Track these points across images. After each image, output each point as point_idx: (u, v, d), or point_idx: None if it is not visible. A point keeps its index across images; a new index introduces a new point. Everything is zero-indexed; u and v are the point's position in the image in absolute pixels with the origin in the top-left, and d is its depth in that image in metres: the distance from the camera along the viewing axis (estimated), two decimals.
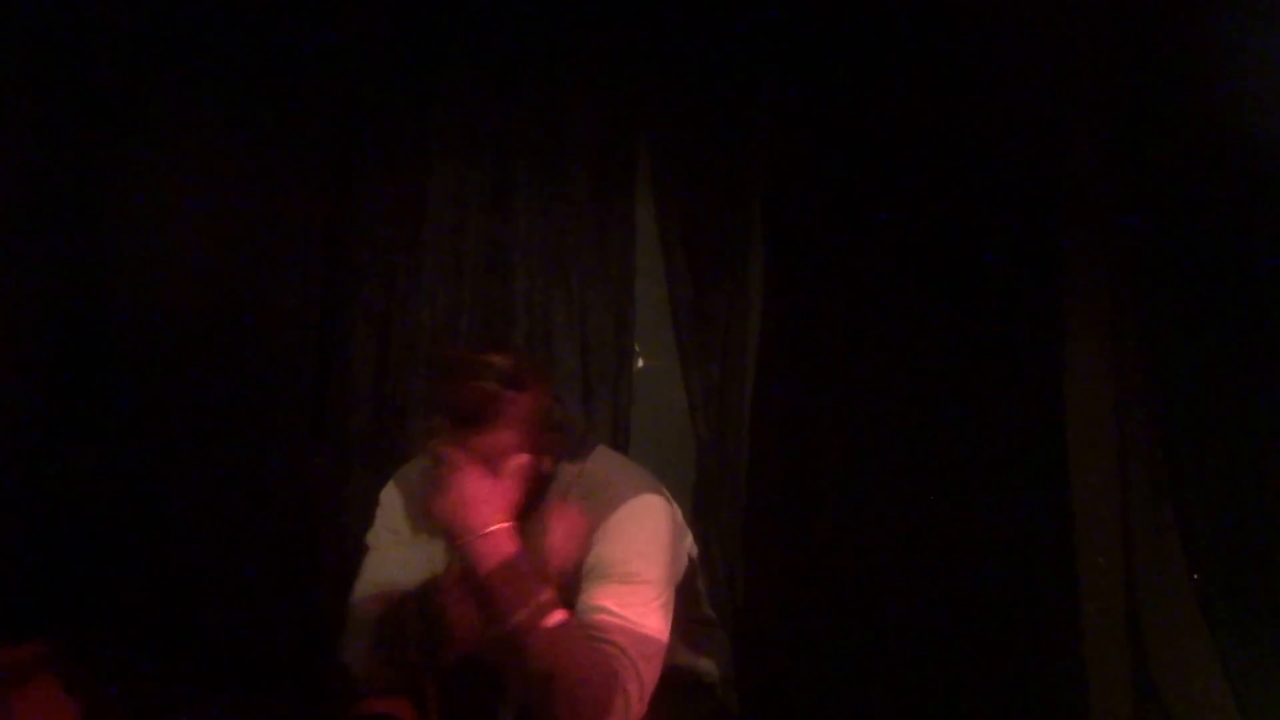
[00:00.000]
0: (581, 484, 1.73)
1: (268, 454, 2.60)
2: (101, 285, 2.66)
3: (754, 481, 2.68)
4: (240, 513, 2.58)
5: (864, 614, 2.58)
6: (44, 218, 2.61)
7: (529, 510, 1.67)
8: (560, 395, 2.36)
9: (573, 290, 2.69)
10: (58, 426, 2.60)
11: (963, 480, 2.60)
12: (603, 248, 2.71)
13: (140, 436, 2.60)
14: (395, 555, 1.78)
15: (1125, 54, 2.71)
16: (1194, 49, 2.57)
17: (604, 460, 1.79)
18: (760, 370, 2.72)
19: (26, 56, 2.57)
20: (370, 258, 2.69)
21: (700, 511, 2.60)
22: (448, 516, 1.60)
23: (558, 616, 1.55)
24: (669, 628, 1.66)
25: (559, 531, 1.68)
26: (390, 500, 1.84)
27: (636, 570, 1.65)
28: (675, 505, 1.80)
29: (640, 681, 1.57)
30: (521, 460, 1.64)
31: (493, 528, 1.58)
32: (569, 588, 1.65)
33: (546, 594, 1.57)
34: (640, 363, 2.78)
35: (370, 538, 1.84)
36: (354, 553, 1.86)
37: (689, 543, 1.84)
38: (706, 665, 1.89)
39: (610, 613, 1.60)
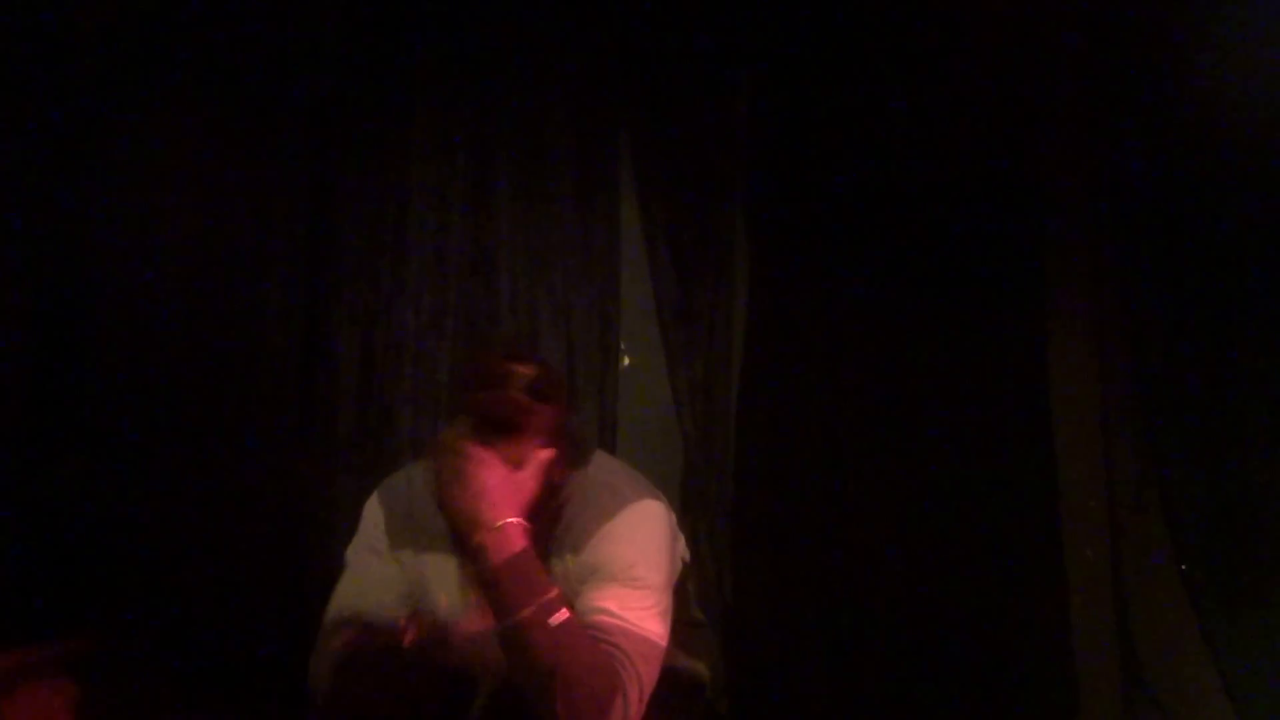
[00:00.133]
0: (583, 488, 1.73)
1: (254, 456, 2.61)
2: (87, 290, 2.67)
3: (741, 478, 2.68)
4: (227, 515, 2.58)
5: (852, 610, 2.58)
6: (27, 222, 2.60)
7: (539, 513, 1.67)
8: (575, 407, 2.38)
9: (557, 289, 2.69)
10: (44, 431, 2.60)
11: (949, 475, 2.59)
12: (586, 246, 2.72)
13: (127, 440, 2.61)
14: (373, 575, 1.77)
15: (1107, 47, 2.71)
16: (1177, 44, 2.57)
17: (604, 465, 1.80)
18: (746, 367, 2.72)
19: (7, 58, 2.56)
20: (354, 259, 2.69)
21: (687, 509, 2.60)
22: (461, 507, 1.60)
23: (562, 615, 1.56)
24: (668, 632, 1.67)
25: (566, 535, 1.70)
26: (373, 514, 1.82)
27: (639, 574, 1.65)
28: (672, 511, 1.81)
29: (640, 684, 1.58)
30: (545, 456, 1.65)
31: (505, 521, 1.58)
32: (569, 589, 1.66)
33: (553, 592, 1.57)
34: (625, 361, 2.78)
35: (349, 552, 1.83)
36: (340, 555, 1.85)
37: (682, 546, 1.85)
38: (696, 667, 1.89)
39: (612, 614, 1.61)
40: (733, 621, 2.58)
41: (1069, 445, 2.62)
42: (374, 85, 2.72)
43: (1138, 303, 2.65)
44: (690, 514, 2.60)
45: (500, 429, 1.62)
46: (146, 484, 2.60)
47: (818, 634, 2.58)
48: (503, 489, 1.61)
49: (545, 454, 1.65)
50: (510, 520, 1.59)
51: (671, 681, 1.71)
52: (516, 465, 1.64)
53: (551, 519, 1.70)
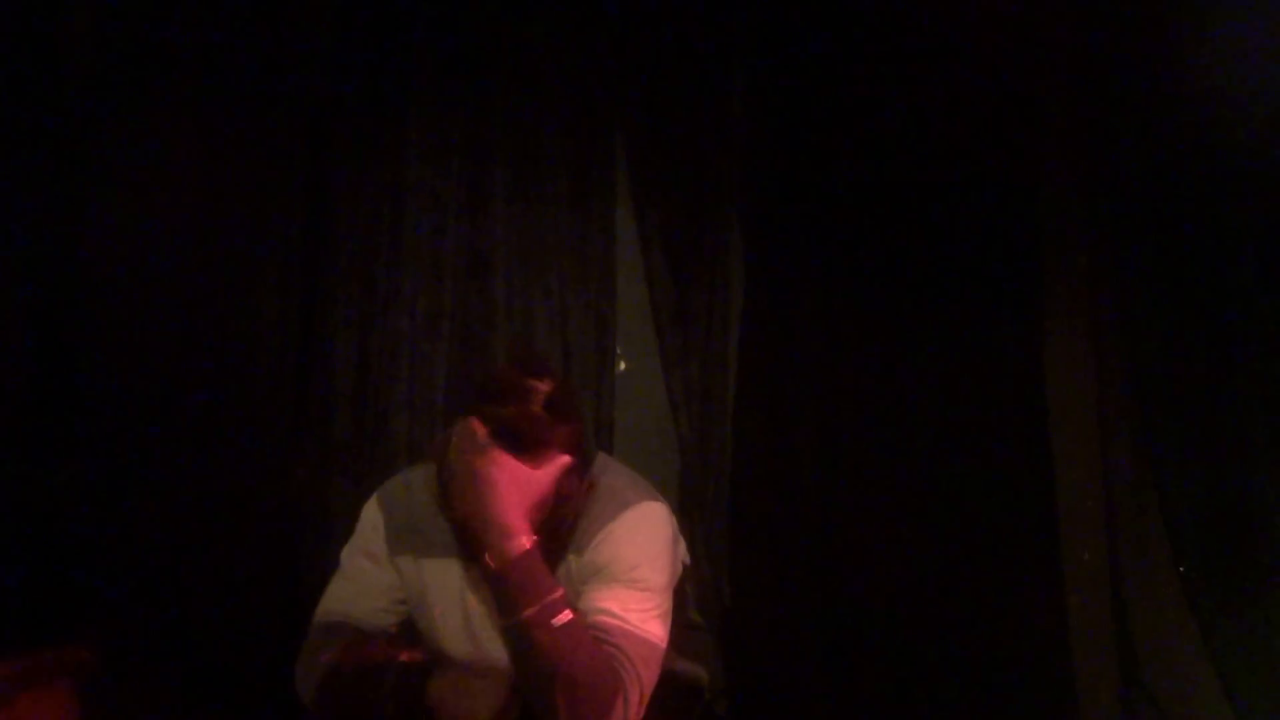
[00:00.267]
0: (589, 492, 1.73)
1: (250, 461, 2.59)
2: (81, 295, 2.65)
3: (738, 480, 2.68)
4: (223, 520, 2.56)
5: (850, 612, 2.58)
6: (22, 227, 2.60)
7: (550, 519, 1.67)
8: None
9: (553, 292, 2.69)
10: (40, 437, 2.59)
11: (946, 477, 2.60)
12: (582, 250, 2.72)
13: (122, 445, 2.59)
14: (367, 582, 1.77)
15: (1102, 45, 2.72)
16: (1172, 42, 2.58)
17: (607, 468, 1.79)
18: (742, 369, 2.73)
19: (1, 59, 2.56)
20: (349, 263, 2.68)
21: (684, 511, 2.60)
22: (472, 505, 1.60)
23: (565, 616, 1.56)
24: (667, 635, 1.67)
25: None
26: (372, 518, 1.81)
27: (642, 576, 1.66)
28: (673, 514, 1.81)
29: (640, 685, 1.58)
30: (561, 461, 1.65)
31: (513, 521, 1.58)
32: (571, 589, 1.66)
33: (556, 593, 1.57)
34: (622, 364, 2.78)
35: (344, 555, 1.82)
36: (335, 561, 1.84)
37: (682, 549, 1.85)
38: (695, 670, 1.89)
39: (613, 615, 1.61)
40: (731, 623, 2.58)
41: (1066, 447, 2.63)
42: (369, 88, 2.71)
43: (1134, 303, 2.66)
44: (688, 516, 2.60)
45: (518, 444, 1.62)
46: (142, 489, 2.58)
47: (815, 635, 2.59)
48: (514, 488, 1.60)
49: (562, 459, 1.65)
50: (519, 520, 1.59)
51: (670, 684, 1.71)
52: (532, 469, 1.64)
53: (559, 524, 1.69)
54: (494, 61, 2.73)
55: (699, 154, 2.77)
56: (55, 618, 2.48)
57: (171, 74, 2.68)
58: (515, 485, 1.60)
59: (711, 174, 2.79)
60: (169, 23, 2.68)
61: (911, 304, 2.66)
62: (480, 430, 1.62)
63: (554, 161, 2.73)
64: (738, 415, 2.72)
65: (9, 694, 2.11)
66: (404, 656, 1.68)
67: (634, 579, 1.65)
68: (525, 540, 1.58)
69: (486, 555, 1.59)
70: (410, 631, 1.80)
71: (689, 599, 1.92)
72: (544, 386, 1.65)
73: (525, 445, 1.62)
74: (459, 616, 1.72)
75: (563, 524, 1.69)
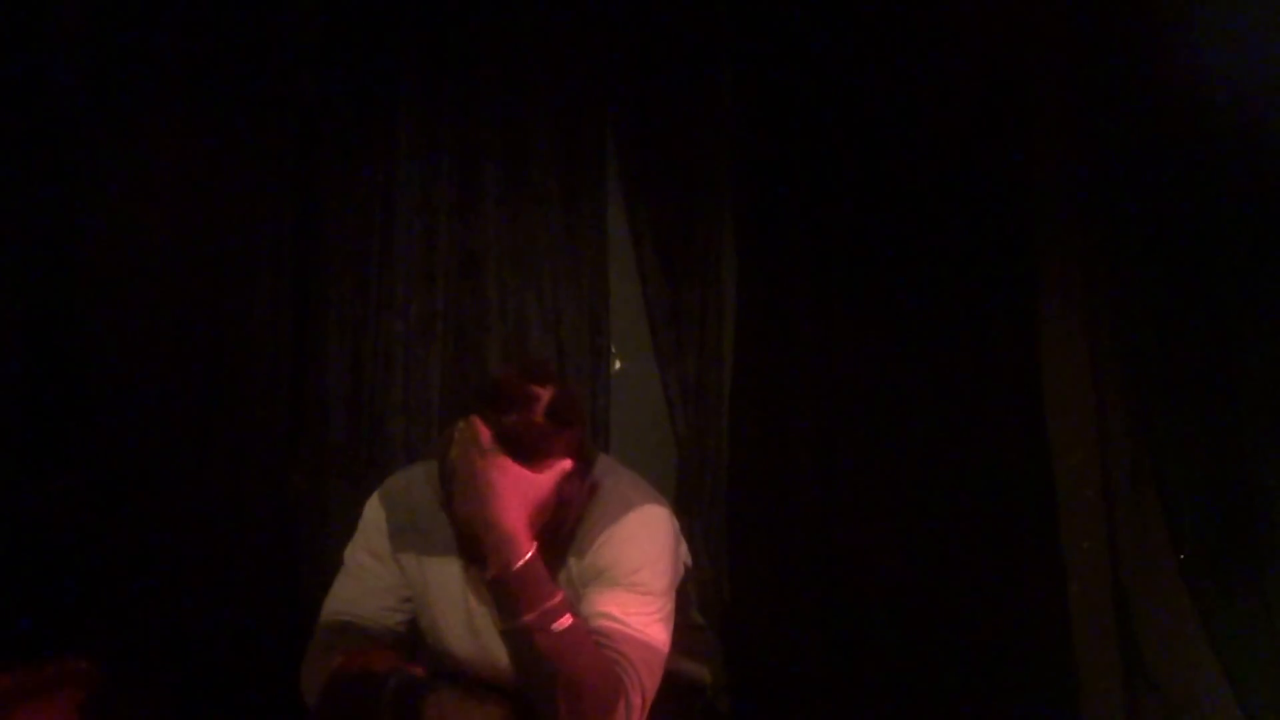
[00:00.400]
0: (589, 494, 1.72)
1: (246, 466, 2.59)
2: (74, 303, 2.64)
3: (735, 476, 2.69)
4: (221, 526, 2.56)
5: (849, 604, 2.59)
6: (14, 236, 2.59)
7: (552, 523, 1.67)
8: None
9: (546, 293, 2.69)
10: (36, 447, 2.59)
11: (944, 469, 2.61)
12: (574, 249, 2.72)
13: (117, 454, 2.58)
14: (370, 580, 1.77)
15: (1094, 39, 2.72)
16: (1164, 36, 2.58)
17: (608, 470, 1.79)
18: (737, 366, 2.73)
19: None
20: (341, 266, 2.68)
21: (682, 510, 2.60)
22: (473, 509, 1.59)
23: (565, 621, 1.56)
24: (669, 638, 1.67)
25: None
26: (374, 518, 1.81)
27: (643, 580, 1.65)
28: (674, 516, 1.81)
29: (642, 690, 1.59)
30: (562, 465, 1.64)
31: (514, 526, 1.58)
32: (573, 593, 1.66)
33: (556, 598, 1.57)
34: (617, 363, 2.78)
35: (347, 553, 1.82)
36: (333, 564, 1.85)
37: (684, 551, 1.85)
38: (697, 670, 1.89)
39: (615, 619, 1.61)
40: (730, 619, 2.58)
41: (1063, 435, 2.64)
42: (358, 89, 2.71)
43: (1130, 291, 2.66)
44: (685, 515, 2.59)
45: (520, 451, 1.61)
46: (138, 496, 2.57)
47: (815, 630, 2.59)
48: (515, 493, 1.59)
49: (564, 463, 1.64)
50: (520, 525, 1.58)
51: (672, 685, 1.71)
52: (533, 474, 1.63)
53: (560, 527, 1.69)
54: (483, 61, 2.73)
55: (690, 150, 2.78)
56: (54, 628, 2.48)
57: (162, 77, 2.68)
58: (516, 490, 1.60)
59: (703, 170, 2.79)
60: (159, 25, 2.68)
61: (906, 297, 2.67)
62: (483, 432, 1.62)
63: (544, 160, 2.73)
64: (733, 412, 2.72)
65: (9, 706, 2.10)
66: (404, 673, 1.66)
67: (635, 583, 1.64)
68: (525, 545, 1.58)
69: (487, 561, 1.58)
70: (415, 630, 1.80)
71: (691, 600, 1.92)
72: (545, 393, 1.64)
73: (527, 452, 1.61)
74: (462, 615, 1.72)
75: (563, 527, 1.68)
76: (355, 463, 2.60)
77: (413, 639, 1.81)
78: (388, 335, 2.66)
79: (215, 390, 2.63)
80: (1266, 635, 2.43)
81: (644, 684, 1.59)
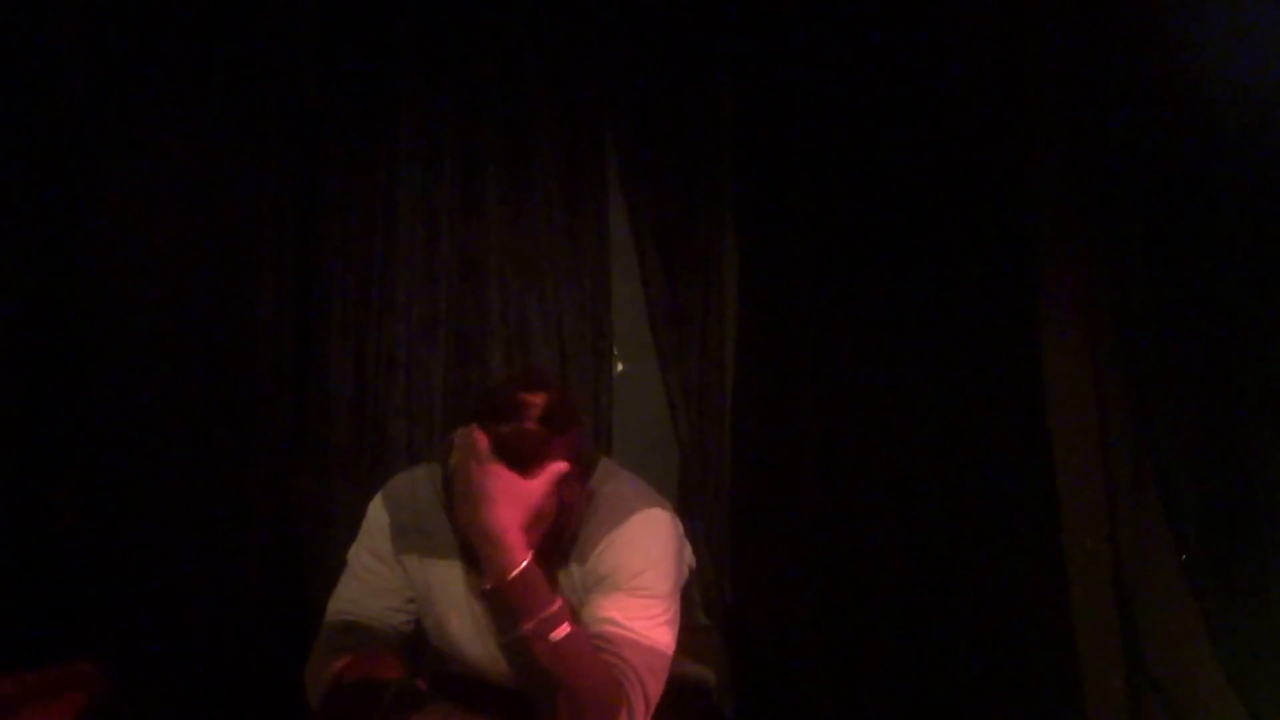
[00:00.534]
0: (590, 498, 1.72)
1: (250, 471, 2.59)
2: (76, 307, 2.64)
3: (737, 478, 2.69)
4: (224, 530, 2.56)
5: (853, 607, 2.59)
6: (16, 242, 2.59)
7: (550, 528, 1.67)
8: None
9: (548, 296, 2.69)
10: (38, 451, 2.59)
11: (946, 470, 2.60)
12: (576, 251, 2.72)
13: (120, 459, 2.58)
14: (374, 581, 1.77)
15: (1095, 38, 2.71)
16: (1165, 33, 2.58)
17: (609, 473, 1.79)
18: (739, 368, 2.73)
19: None
20: (343, 270, 2.68)
21: (685, 512, 2.60)
22: (470, 519, 1.59)
23: (564, 630, 1.56)
24: (674, 642, 1.67)
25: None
26: (377, 519, 1.81)
27: (645, 584, 1.65)
28: (677, 519, 1.81)
29: (645, 696, 1.59)
30: (557, 468, 1.63)
31: (510, 536, 1.57)
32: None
33: (555, 606, 1.57)
34: (619, 366, 2.78)
35: (351, 554, 1.82)
36: (337, 567, 1.85)
37: (688, 553, 1.85)
38: (702, 672, 1.90)
39: (618, 624, 1.61)
40: (734, 622, 2.58)
41: (1065, 436, 2.63)
42: (359, 94, 2.71)
43: (1130, 290, 2.66)
44: (687, 516, 2.59)
45: (516, 460, 1.61)
46: (142, 500, 2.57)
47: (819, 632, 2.59)
48: (511, 502, 1.59)
49: (558, 466, 1.63)
50: (516, 534, 1.58)
51: (677, 687, 1.71)
52: (529, 482, 1.62)
53: (560, 532, 1.69)
54: (484, 64, 2.73)
55: (691, 152, 2.78)
56: (59, 631, 2.48)
57: (164, 81, 2.68)
58: (513, 498, 1.59)
59: (704, 172, 2.79)
60: (162, 29, 2.68)
61: (907, 298, 2.67)
62: (480, 440, 1.61)
63: (546, 162, 2.73)
64: (735, 413, 2.72)
65: (13, 710, 2.10)
66: (402, 683, 1.67)
67: (638, 587, 1.64)
68: (521, 555, 1.57)
69: (484, 571, 1.59)
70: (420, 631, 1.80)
71: (696, 601, 1.92)
72: (539, 399, 1.64)
73: (522, 459, 1.61)
74: (466, 616, 1.73)
75: (564, 532, 1.68)
76: (358, 465, 2.60)
77: (417, 638, 1.81)
78: (390, 338, 2.65)
79: (218, 392, 2.62)
80: (1269, 635, 2.43)
81: (647, 689, 1.59)
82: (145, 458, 2.59)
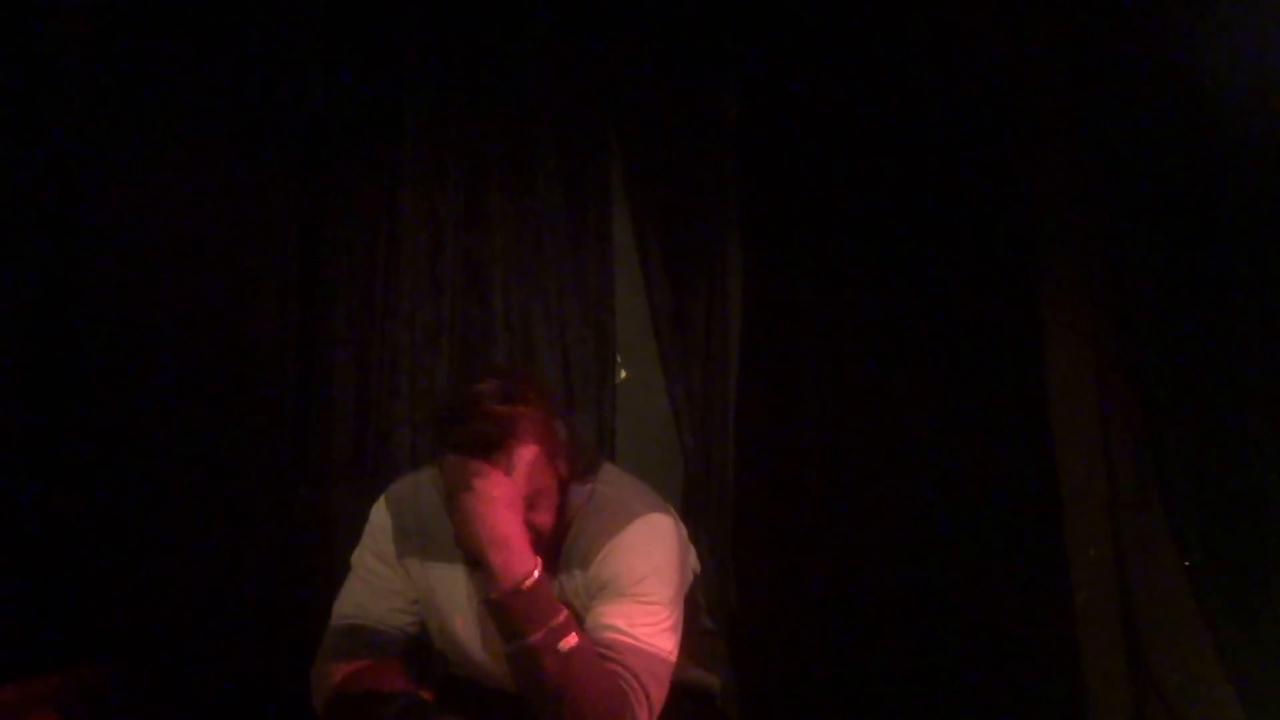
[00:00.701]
0: (591, 503, 1.72)
1: (252, 478, 2.59)
2: (79, 315, 2.65)
3: (741, 485, 2.69)
4: (227, 537, 2.57)
5: (857, 611, 2.59)
6: (17, 250, 2.60)
7: (550, 531, 1.67)
8: (575, 419, 2.36)
9: (552, 303, 2.70)
10: (42, 459, 2.59)
11: (950, 476, 2.60)
12: (579, 259, 2.72)
13: (123, 466, 2.59)
14: (378, 584, 1.77)
15: (1096, 40, 2.71)
16: (1167, 35, 2.58)
17: (611, 478, 1.79)
18: (742, 375, 2.73)
19: None
20: (347, 280, 2.69)
21: (688, 518, 2.60)
22: (466, 534, 1.58)
23: (571, 640, 1.55)
24: (678, 648, 1.66)
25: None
26: (380, 522, 1.82)
27: (649, 590, 1.65)
28: (681, 524, 1.81)
29: (649, 704, 1.59)
30: (527, 454, 1.61)
31: (515, 542, 1.56)
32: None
33: (561, 616, 1.56)
34: (623, 373, 2.78)
35: (354, 558, 1.83)
36: (339, 574, 1.86)
37: (693, 558, 1.85)
38: (707, 676, 1.90)
39: (621, 631, 1.61)
40: (738, 628, 2.58)
41: (1069, 444, 2.63)
42: (365, 102, 2.72)
43: (1134, 299, 2.66)
44: (691, 522, 2.59)
45: (485, 449, 1.59)
46: (145, 508, 2.58)
47: (822, 638, 2.59)
48: (502, 510, 1.57)
49: (527, 451, 1.61)
50: (518, 545, 1.57)
51: (682, 693, 1.72)
52: (511, 480, 1.61)
53: (559, 533, 1.69)
54: (488, 72, 2.73)
55: (695, 161, 2.77)
56: (61, 639, 2.48)
57: (169, 89, 2.69)
58: (503, 505, 1.57)
59: (708, 180, 2.79)
60: (166, 39, 2.69)
61: (911, 307, 2.67)
62: (455, 461, 1.60)
63: (549, 171, 2.73)
64: (739, 421, 2.72)
65: (18, 715, 2.11)
66: (407, 697, 1.67)
67: (640, 593, 1.64)
68: (530, 563, 1.56)
69: (486, 584, 1.57)
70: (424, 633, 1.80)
71: (700, 605, 1.92)
72: (491, 385, 1.64)
73: (489, 444, 1.59)
74: (469, 619, 1.73)
75: (561, 530, 1.68)
76: (361, 472, 2.60)
77: (422, 640, 1.81)
78: (394, 346, 2.66)
79: (221, 399, 2.63)
80: (1273, 642, 2.42)
81: (650, 696, 1.59)
82: (148, 464, 2.59)
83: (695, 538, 2.53)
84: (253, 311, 2.65)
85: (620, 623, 1.61)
